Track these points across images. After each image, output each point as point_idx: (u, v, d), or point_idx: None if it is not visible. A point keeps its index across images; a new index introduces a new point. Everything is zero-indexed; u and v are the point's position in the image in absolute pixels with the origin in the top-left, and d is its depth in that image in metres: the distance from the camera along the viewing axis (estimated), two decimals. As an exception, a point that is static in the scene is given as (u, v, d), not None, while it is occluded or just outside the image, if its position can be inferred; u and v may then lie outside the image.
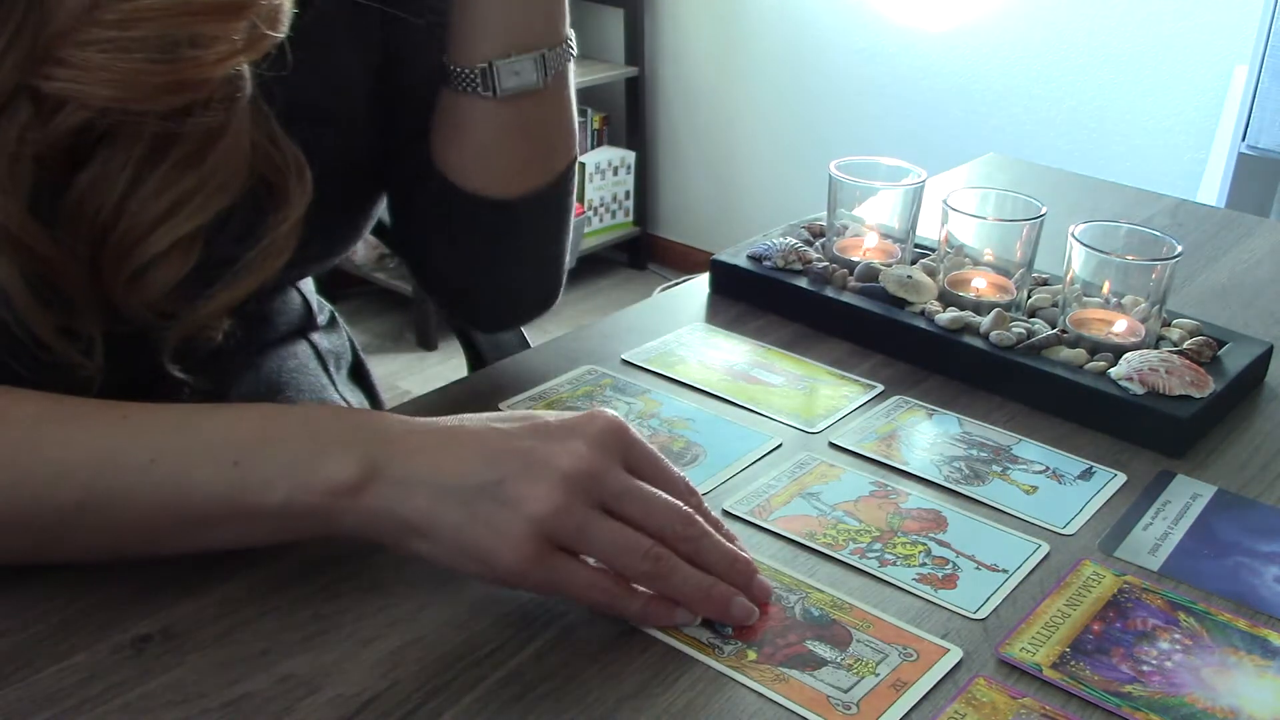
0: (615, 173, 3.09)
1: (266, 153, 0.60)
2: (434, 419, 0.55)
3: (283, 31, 0.56)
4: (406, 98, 0.72)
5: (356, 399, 0.87)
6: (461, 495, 0.52)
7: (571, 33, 0.70)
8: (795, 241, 0.90)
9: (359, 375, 0.91)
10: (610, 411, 0.55)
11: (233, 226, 0.60)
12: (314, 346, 0.83)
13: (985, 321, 0.79)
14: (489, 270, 0.75)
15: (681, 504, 0.54)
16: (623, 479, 0.53)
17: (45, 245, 0.56)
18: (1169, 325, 0.80)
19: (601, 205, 3.09)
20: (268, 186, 0.61)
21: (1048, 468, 0.70)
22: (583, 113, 3.05)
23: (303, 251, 0.63)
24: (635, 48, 3.02)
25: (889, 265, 0.86)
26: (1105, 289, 0.78)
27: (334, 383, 0.84)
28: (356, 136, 0.71)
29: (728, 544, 0.56)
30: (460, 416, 0.56)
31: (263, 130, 0.60)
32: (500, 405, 0.74)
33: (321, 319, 0.87)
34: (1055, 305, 0.82)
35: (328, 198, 0.63)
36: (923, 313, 0.81)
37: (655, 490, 0.54)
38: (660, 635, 0.55)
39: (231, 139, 0.58)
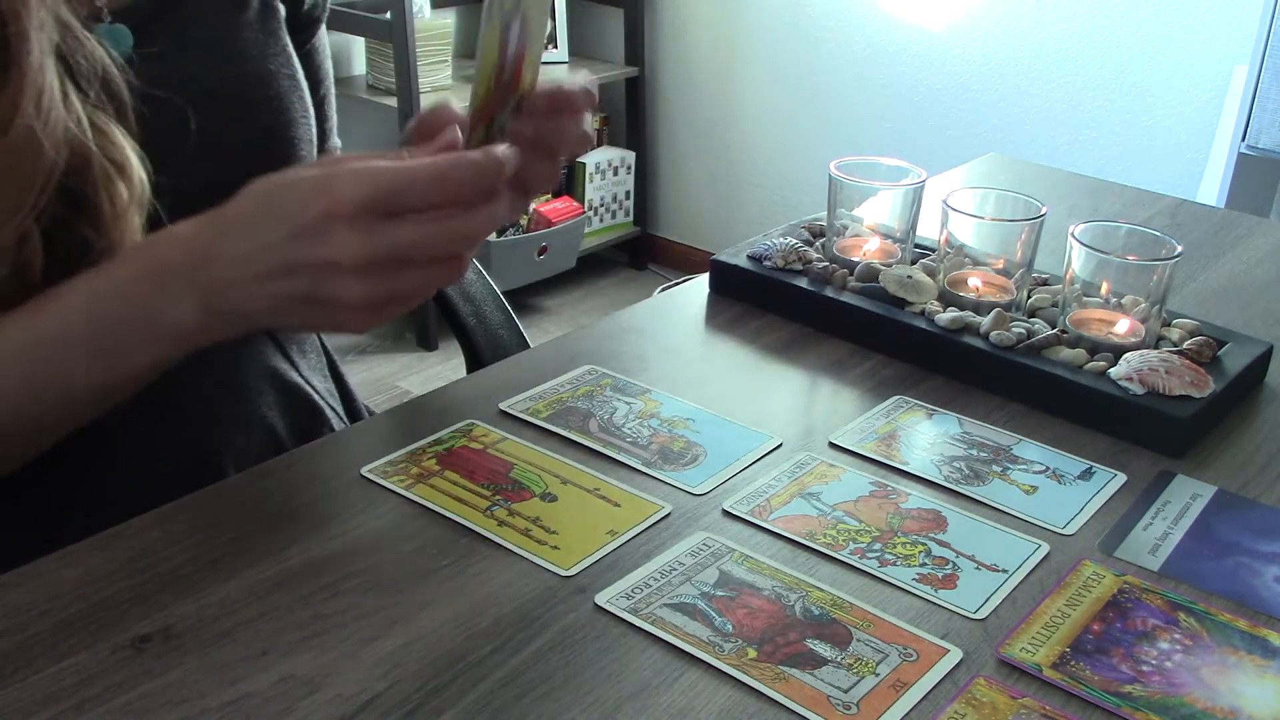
0: (615, 173, 3.09)
1: (78, 144, 0.61)
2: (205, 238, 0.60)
3: None
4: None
5: (327, 387, 0.87)
6: (287, 315, 0.61)
7: None
8: (795, 241, 0.90)
9: (334, 373, 0.90)
10: (349, 172, 0.57)
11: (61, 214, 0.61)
12: (267, 330, 0.82)
13: (985, 321, 0.79)
14: None
15: (437, 226, 0.58)
16: (393, 241, 0.57)
17: None
18: (1169, 325, 0.80)
19: (601, 205, 3.09)
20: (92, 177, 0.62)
21: (1048, 468, 0.70)
22: (583, 113, 3.05)
23: None
24: (635, 48, 3.02)
25: (889, 265, 0.86)
26: (1105, 289, 0.78)
27: (295, 366, 0.82)
28: (264, 118, 0.74)
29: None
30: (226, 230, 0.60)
31: (73, 118, 0.60)
32: (500, 405, 0.74)
33: None
34: (1055, 305, 0.82)
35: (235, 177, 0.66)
36: (923, 313, 0.81)
37: (419, 230, 0.58)
38: (660, 635, 0.55)
39: (23, 129, 0.58)
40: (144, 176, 0.63)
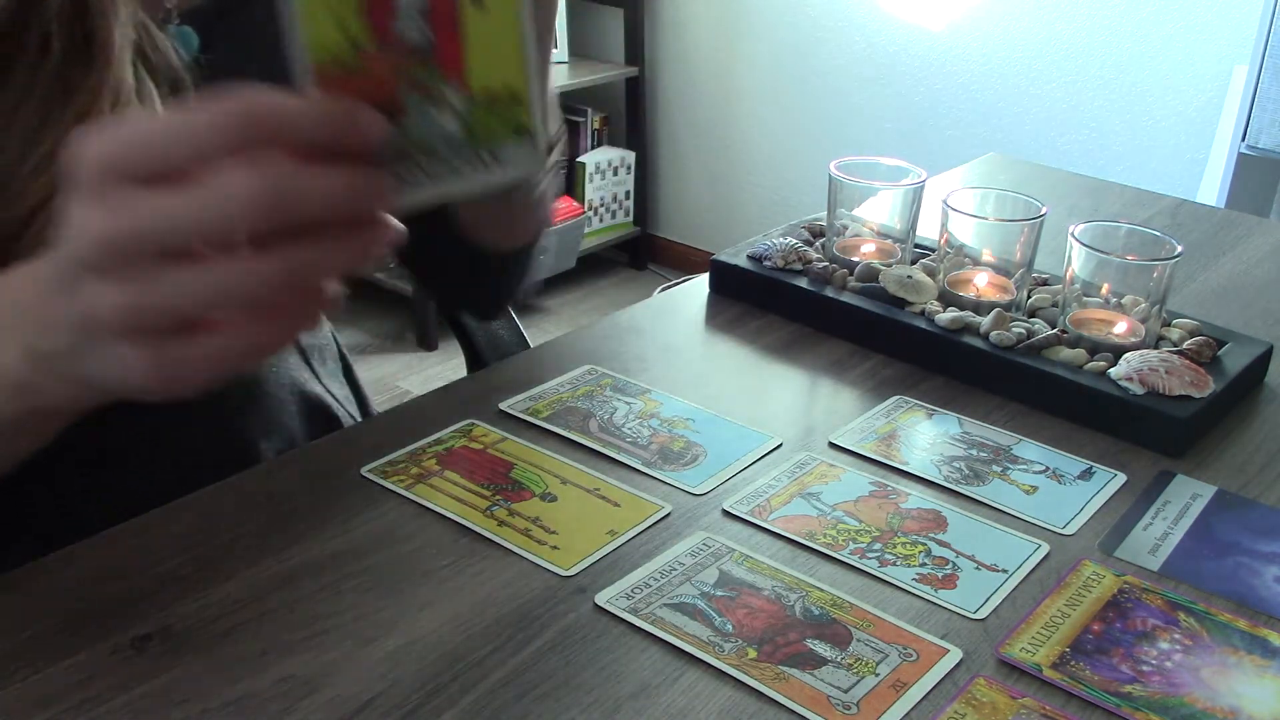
0: (615, 173, 3.09)
1: None
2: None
3: None
4: None
5: (344, 393, 0.87)
6: (78, 356, 0.44)
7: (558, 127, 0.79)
8: (795, 241, 0.90)
9: (349, 376, 0.91)
10: (100, 129, 0.40)
11: None
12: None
13: (985, 321, 0.79)
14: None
15: (225, 192, 0.39)
16: (147, 212, 0.39)
17: None
18: (1169, 325, 0.80)
19: (601, 205, 3.09)
20: None
21: (1048, 468, 0.70)
22: (582, 113, 3.06)
23: None
24: (635, 48, 3.02)
25: (889, 265, 0.86)
26: (1105, 289, 0.78)
27: (317, 375, 0.83)
28: None
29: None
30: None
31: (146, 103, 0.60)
32: (500, 405, 0.74)
33: None
34: (1055, 305, 0.82)
35: None
36: (923, 313, 0.81)
37: (189, 200, 0.39)
38: (660, 635, 0.55)
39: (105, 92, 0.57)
40: None
